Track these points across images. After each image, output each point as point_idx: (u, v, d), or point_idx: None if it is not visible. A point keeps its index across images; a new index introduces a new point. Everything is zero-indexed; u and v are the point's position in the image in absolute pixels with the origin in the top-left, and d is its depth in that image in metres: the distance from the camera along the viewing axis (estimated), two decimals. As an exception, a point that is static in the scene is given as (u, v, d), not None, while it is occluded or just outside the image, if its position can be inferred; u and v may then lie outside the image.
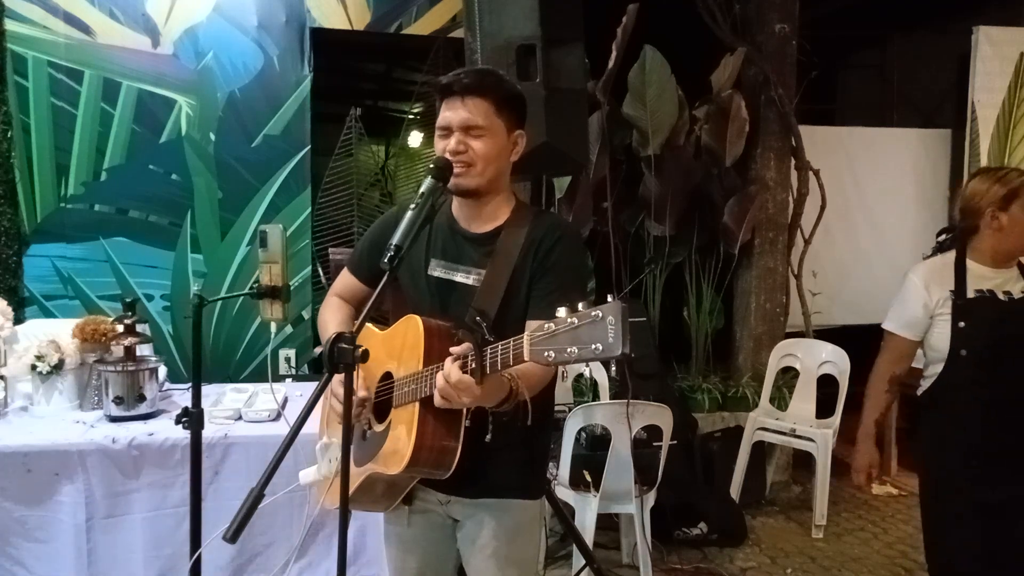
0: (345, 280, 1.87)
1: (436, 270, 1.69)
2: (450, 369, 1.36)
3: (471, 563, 1.73)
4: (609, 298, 1.20)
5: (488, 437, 1.49)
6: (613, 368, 1.08)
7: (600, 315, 1.16)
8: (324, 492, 1.66)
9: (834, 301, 4.99)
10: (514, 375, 1.44)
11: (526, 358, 1.26)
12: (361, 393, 1.60)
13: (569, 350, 1.19)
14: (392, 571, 1.83)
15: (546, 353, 1.22)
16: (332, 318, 1.82)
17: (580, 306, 1.20)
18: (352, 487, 1.61)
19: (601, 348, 1.15)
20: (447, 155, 1.59)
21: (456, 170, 1.59)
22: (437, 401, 1.40)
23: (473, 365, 1.34)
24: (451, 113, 1.59)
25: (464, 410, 1.48)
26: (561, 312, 1.21)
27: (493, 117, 1.60)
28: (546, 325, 1.23)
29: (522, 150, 1.68)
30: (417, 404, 1.50)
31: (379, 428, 1.63)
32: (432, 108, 1.67)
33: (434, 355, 1.50)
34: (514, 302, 1.60)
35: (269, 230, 2.27)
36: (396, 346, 1.62)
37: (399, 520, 1.78)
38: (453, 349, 1.39)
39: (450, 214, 1.71)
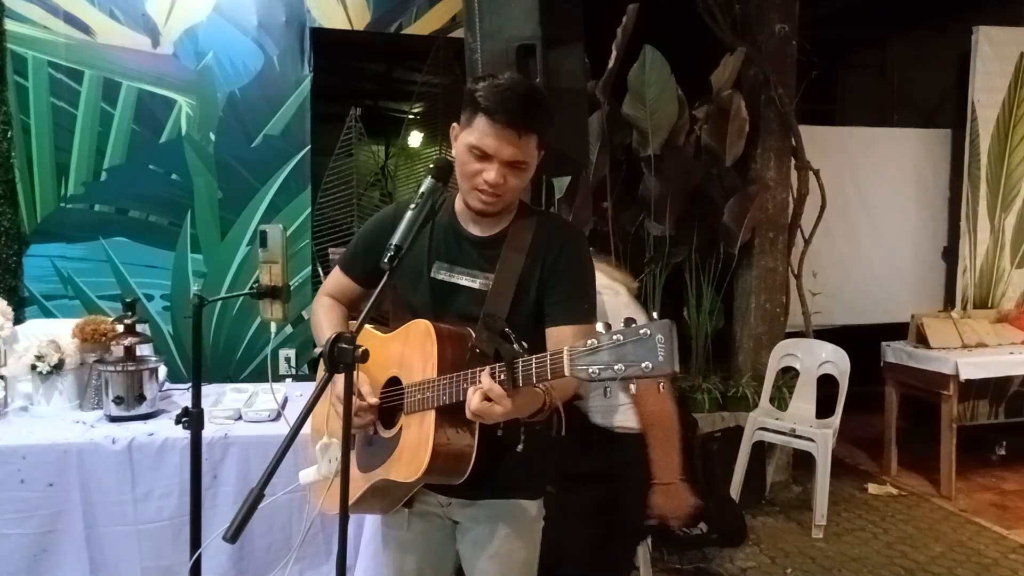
0: (337, 279, 1.83)
1: (440, 273, 1.65)
2: (490, 386, 1.34)
3: (474, 564, 1.72)
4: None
5: (520, 447, 1.48)
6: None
7: (649, 332, 1.14)
8: (324, 493, 1.63)
9: (834, 301, 4.99)
10: (548, 386, 1.42)
11: (566, 373, 1.23)
12: (372, 400, 1.58)
13: (616, 367, 1.16)
14: (391, 574, 1.82)
15: (590, 370, 1.19)
16: (326, 318, 1.79)
17: (623, 323, 1.17)
18: (357, 493, 1.60)
19: (651, 366, 1.13)
20: (482, 182, 1.52)
21: (485, 199, 1.54)
22: (469, 416, 1.38)
23: (503, 376, 1.32)
24: (497, 143, 1.49)
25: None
26: (600, 327, 1.19)
27: (535, 151, 1.56)
28: (588, 341, 1.20)
29: None
30: (433, 412, 1.47)
31: (388, 434, 1.60)
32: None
33: (447, 362, 1.48)
34: (522, 306, 1.58)
35: (269, 230, 2.26)
36: (403, 351, 1.59)
37: (398, 523, 1.76)
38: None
39: (452, 215, 1.67)
